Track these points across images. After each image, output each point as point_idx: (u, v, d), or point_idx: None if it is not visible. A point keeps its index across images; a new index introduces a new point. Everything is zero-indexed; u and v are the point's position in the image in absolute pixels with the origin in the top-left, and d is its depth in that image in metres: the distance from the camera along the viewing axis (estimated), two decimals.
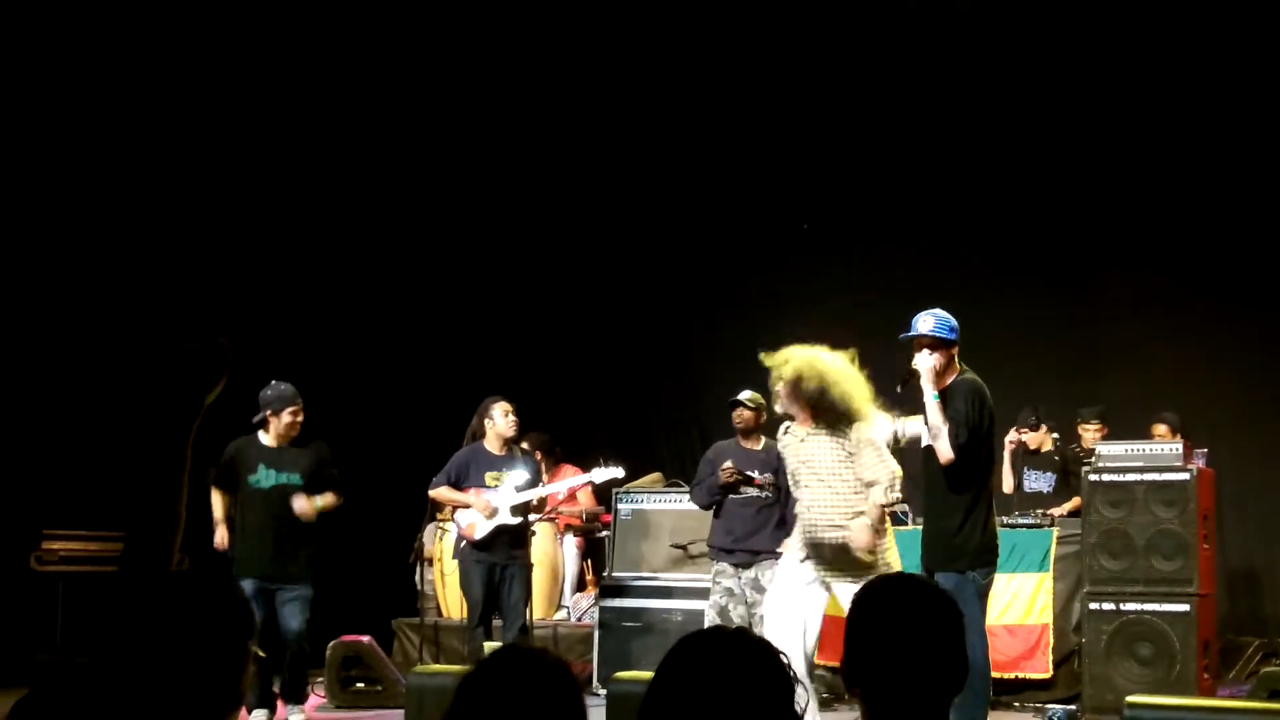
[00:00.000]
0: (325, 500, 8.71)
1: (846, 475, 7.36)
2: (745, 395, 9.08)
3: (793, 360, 7.55)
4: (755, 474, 8.81)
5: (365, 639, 9.64)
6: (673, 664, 2.35)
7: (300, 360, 12.79)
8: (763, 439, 9.12)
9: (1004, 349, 11.84)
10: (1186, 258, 11.45)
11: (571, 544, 11.44)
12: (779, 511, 8.84)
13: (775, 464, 8.93)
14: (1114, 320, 11.89)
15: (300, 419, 8.73)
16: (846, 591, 7.16)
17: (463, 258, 13.56)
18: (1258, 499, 11.01)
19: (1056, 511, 9.97)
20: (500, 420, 9.16)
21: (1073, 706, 8.92)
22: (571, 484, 10.53)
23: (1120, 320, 11.83)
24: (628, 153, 13.34)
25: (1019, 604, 9.36)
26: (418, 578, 10.73)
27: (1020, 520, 9.72)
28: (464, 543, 9.16)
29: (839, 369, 7.52)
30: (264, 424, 8.79)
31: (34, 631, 10.53)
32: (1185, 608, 8.39)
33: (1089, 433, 10.40)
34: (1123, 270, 11.80)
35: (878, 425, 7.48)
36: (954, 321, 7.05)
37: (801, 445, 7.56)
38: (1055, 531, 9.45)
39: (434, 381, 12.88)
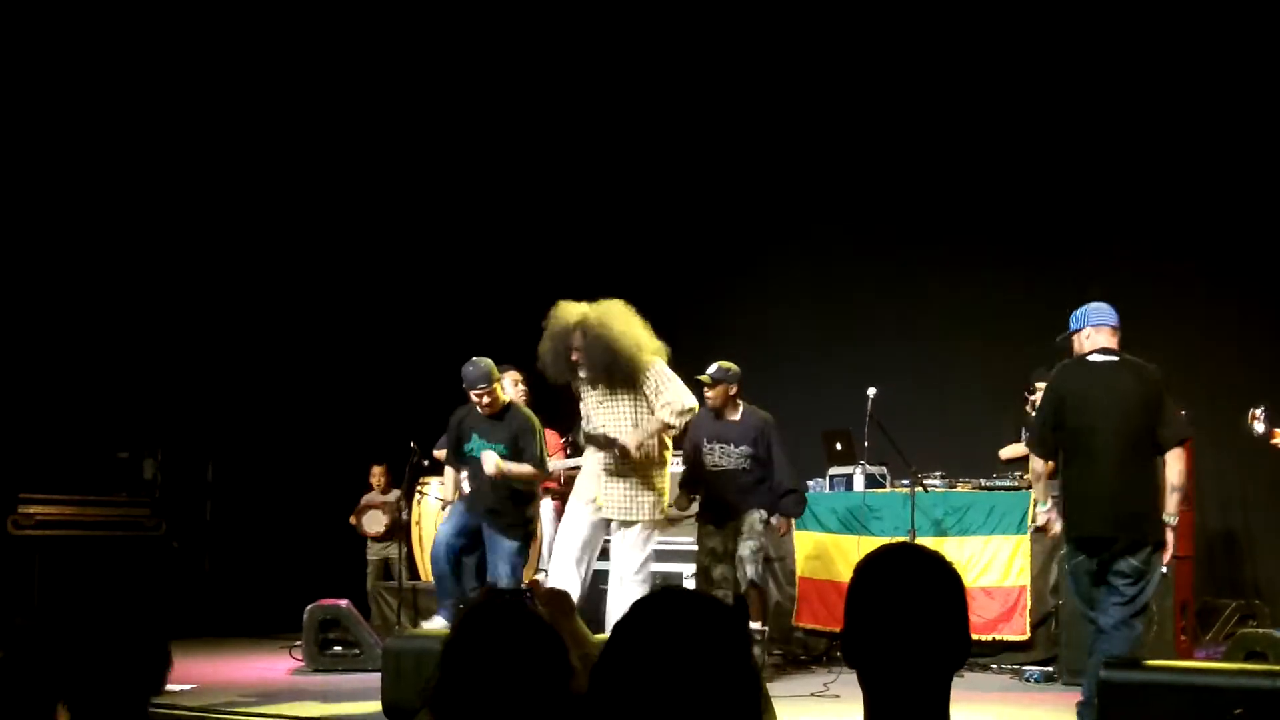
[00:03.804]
0: (519, 469, 8.81)
1: (630, 423, 8.20)
2: (708, 371, 9.08)
3: (575, 314, 8.12)
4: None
5: (343, 603, 9.65)
6: (626, 626, 2.31)
7: (266, 328, 12.82)
8: (741, 407, 9.14)
9: (985, 321, 11.91)
10: (1170, 229, 11.44)
11: (549, 507, 11.43)
12: (759, 477, 8.94)
13: (754, 434, 8.98)
14: (1098, 287, 11.88)
15: (486, 399, 8.78)
16: (622, 534, 8.26)
17: (434, 229, 13.53)
18: (1236, 461, 11.03)
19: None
20: (510, 389, 9.32)
21: (1050, 668, 8.97)
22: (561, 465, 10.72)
23: (1105, 288, 11.81)
24: (619, 135, 13.38)
25: (997, 566, 9.39)
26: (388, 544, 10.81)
27: (998, 482, 9.76)
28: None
29: (622, 322, 8.05)
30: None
31: (10, 596, 10.51)
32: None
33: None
34: (1105, 241, 11.78)
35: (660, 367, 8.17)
36: (1075, 313, 7.18)
37: (599, 407, 8.27)
38: (1033, 493, 9.47)
39: (415, 354, 12.85)
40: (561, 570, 8.29)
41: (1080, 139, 11.80)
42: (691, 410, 8.30)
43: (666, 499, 8.56)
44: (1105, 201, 11.73)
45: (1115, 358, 6.92)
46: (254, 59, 12.60)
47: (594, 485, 8.36)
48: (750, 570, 8.90)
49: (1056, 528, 7.10)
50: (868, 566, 2.62)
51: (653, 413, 8.21)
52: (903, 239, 12.48)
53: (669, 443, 8.53)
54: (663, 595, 2.36)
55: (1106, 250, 11.70)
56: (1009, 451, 10.62)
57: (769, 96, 12.98)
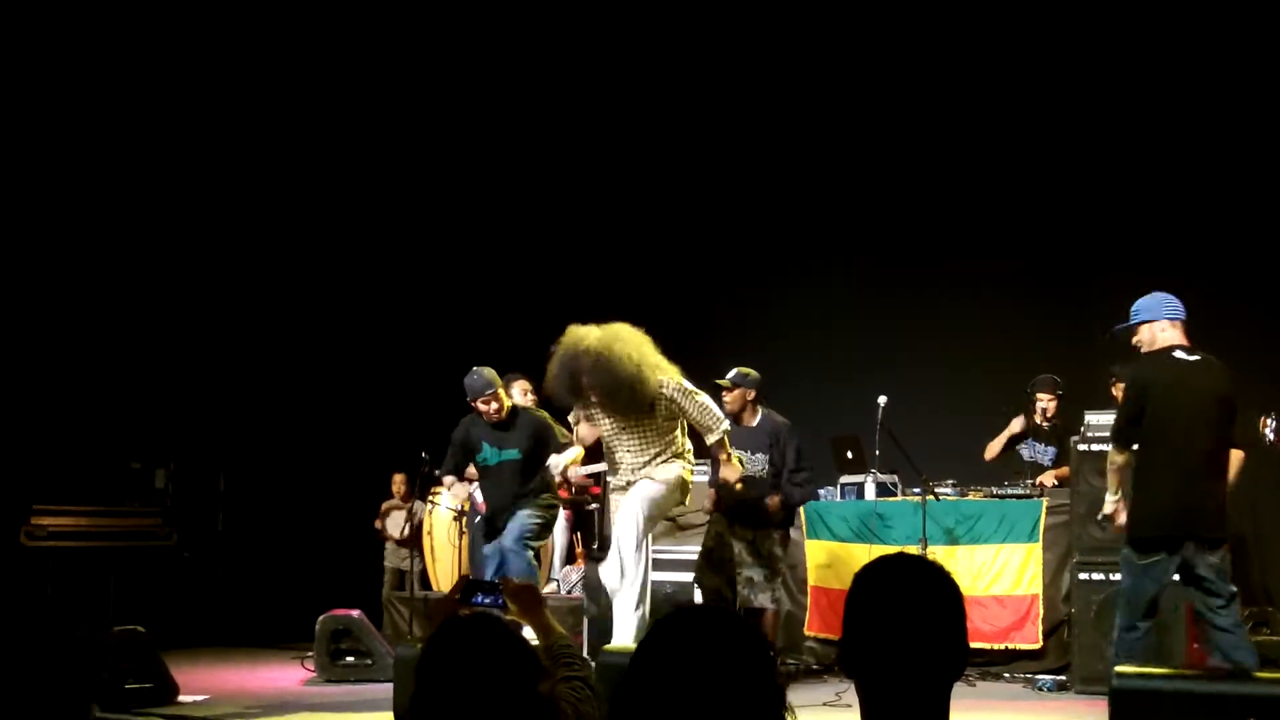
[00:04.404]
0: (570, 457, 8.87)
1: (649, 442, 8.13)
2: (727, 376, 9.08)
3: (582, 341, 7.98)
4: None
5: (355, 613, 9.65)
6: (651, 643, 2.32)
7: (278, 339, 12.83)
8: (760, 413, 9.13)
9: (995, 329, 11.89)
10: (1175, 244, 11.42)
11: (560, 517, 11.45)
12: (775, 484, 8.92)
13: (770, 440, 8.97)
14: (1108, 305, 11.89)
15: (493, 406, 8.80)
16: (638, 489, 8.16)
17: (446, 240, 13.55)
18: (1247, 468, 11.01)
19: (1045, 481, 9.97)
20: (520, 399, 9.31)
21: (1062, 677, 8.95)
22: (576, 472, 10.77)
23: (1114, 304, 11.81)
24: (635, 149, 13.45)
25: (1009, 574, 9.38)
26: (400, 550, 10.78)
27: (1010, 490, 9.74)
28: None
29: (627, 345, 7.93)
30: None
31: (23, 606, 10.53)
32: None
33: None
34: (1110, 254, 11.78)
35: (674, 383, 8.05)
36: (1142, 303, 7.20)
37: (621, 432, 8.20)
38: (1045, 502, 9.46)
39: (426, 364, 12.86)
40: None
41: (1088, 158, 11.85)
42: (719, 411, 8.27)
43: (689, 500, 8.51)
44: (1109, 217, 11.74)
45: (1197, 356, 6.97)
46: (272, 75, 12.64)
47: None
48: (764, 598, 8.88)
49: (1122, 519, 7.12)
50: (866, 576, 2.63)
51: (671, 430, 8.17)
52: (914, 249, 12.49)
53: (689, 446, 8.46)
54: (685, 613, 2.37)
55: (1112, 262, 11.70)
56: (993, 449, 10.59)
57: (785, 117, 13.00)
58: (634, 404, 8.03)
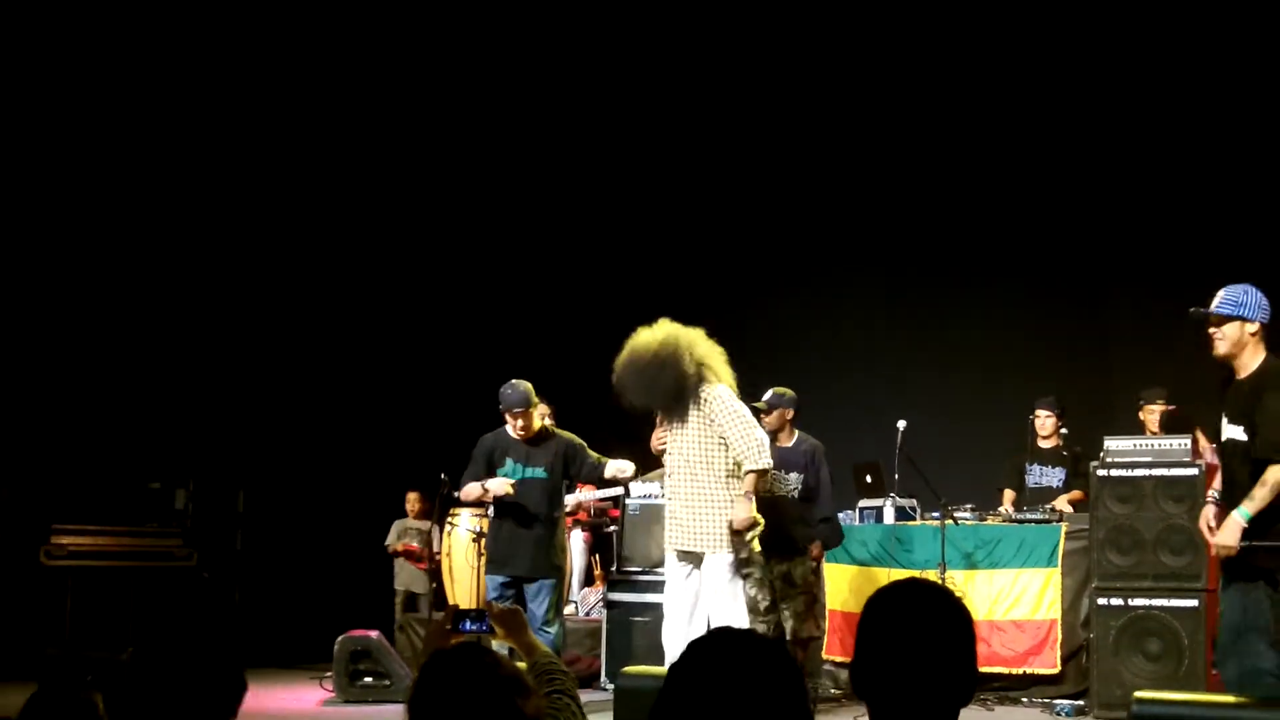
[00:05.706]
0: (619, 464, 8.63)
1: (709, 462, 7.84)
2: (764, 398, 9.02)
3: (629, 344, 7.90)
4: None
5: (373, 634, 9.66)
6: (684, 667, 2.33)
7: (297, 358, 12.86)
8: (796, 434, 9.07)
9: (1013, 354, 11.87)
10: (1192, 257, 11.40)
11: (579, 538, 11.46)
12: (806, 505, 8.86)
13: (804, 460, 8.91)
14: (1121, 321, 11.89)
15: (522, 423, 8.52)
16: (714, 563, 7.74)
17: (461, 255, 13.58)
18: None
19: (1060, 505, 9.94)
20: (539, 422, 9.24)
21: (1081, 702, 8.92)
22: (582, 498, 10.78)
23: (1128, 320, 11.82)
24: (656, 173, 13.53)
25: (1027, 599, 9.36)
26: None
27: (1029, 515, 9.71)
28: None
29: (660, 340, 7.86)
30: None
31: (44, 626, 10.57)
32: (1194, 603, 8.35)
33: (1154, 415, 10.07)
34: (1130, 272, 11.78)
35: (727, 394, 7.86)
36: (1249, 298, 6.26)
37: (672, 438, 7.97)
38: (1064, 527, 9.44)
39: (446, 384, 12.88)
40: (674, 635, 7.82)
41: (1102, 178, 11.86)
42: (764, 442, 7.96)
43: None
44: (1141, 237, 11.72)
45: None
46: (297, 95, 12.71)
47: (684, 563, 7.91)
48: (810, 626, 8.83)
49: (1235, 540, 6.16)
50: (877, 601, 2.67)
51: (716, 448, 7.87)
52: (934, 274, 12.50)
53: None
54: (718, 636, 2.39)
55: (1132, 284, 11.70)
56: (1010, 495, 10.56)
57: (802, 140, 13.03)
58: (655, 392, 7.81)
